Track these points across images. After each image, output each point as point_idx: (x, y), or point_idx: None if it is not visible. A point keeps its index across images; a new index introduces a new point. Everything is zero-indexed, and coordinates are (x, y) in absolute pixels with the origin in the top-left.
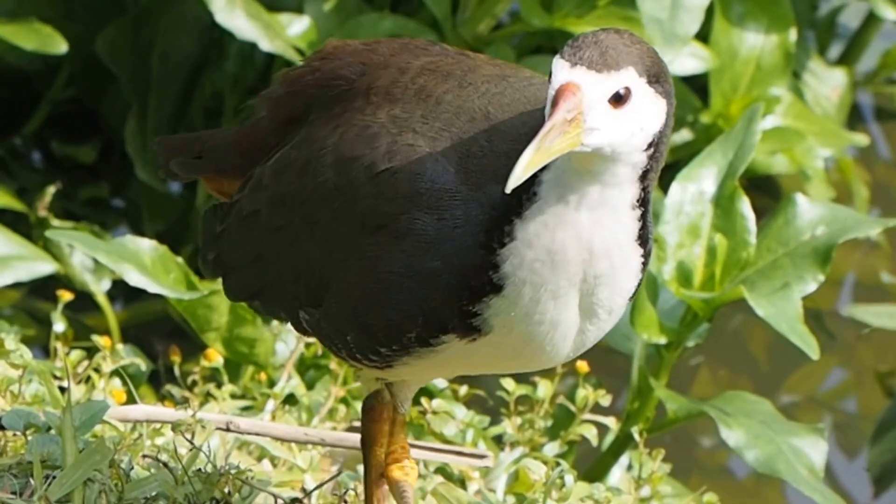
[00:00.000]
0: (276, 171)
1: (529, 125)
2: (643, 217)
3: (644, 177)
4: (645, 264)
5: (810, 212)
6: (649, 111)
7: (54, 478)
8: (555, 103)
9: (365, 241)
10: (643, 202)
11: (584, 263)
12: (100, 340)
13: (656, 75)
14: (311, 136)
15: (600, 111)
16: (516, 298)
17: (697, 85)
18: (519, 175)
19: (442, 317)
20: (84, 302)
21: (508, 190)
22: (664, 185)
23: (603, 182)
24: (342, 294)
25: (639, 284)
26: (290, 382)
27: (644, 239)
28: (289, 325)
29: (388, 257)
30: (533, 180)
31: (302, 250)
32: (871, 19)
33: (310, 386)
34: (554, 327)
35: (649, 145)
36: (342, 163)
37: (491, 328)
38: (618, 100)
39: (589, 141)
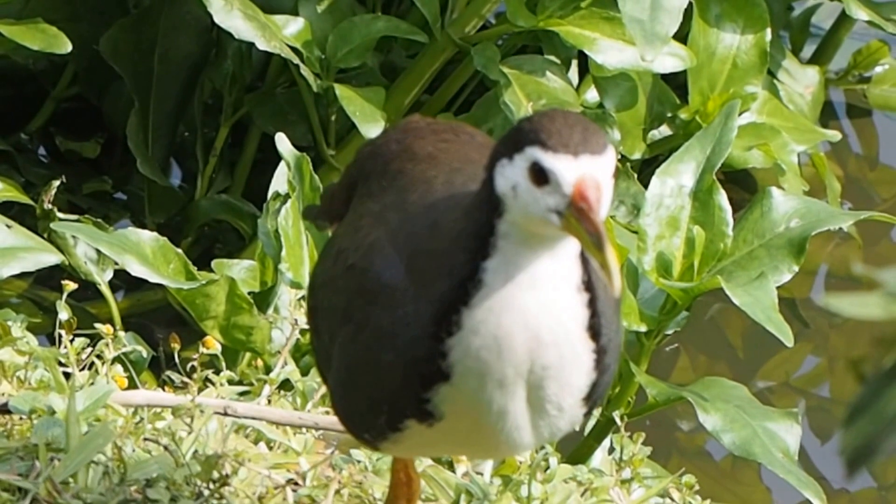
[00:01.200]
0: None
1: (459, 227)
2: (593, 305)
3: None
4: (599, 361)
5: (785, 204)
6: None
7: (59, 460)
8: (584, 197)
9: (341, 331)
10: (589, 287)
11: (532, 352)
12: (103, 328)
13: None
14: (346, 215)
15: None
16: (463, 386)
17: (676, 83)
18: (619, 281)
19: (400, 403)
20: (87, 291)
21: (617, 294)
22: (644, 180)
23: (553, 252)
24: (332, 379)
25: (595, 386)
26: (285, 369)
27: (596, 331)
28: (285, 313)
29: (353, 349)
30: (477, 268)
31: (324, 320)
32: (844, 20)
33: (304, 372)
34: (502, 418)
35: None
36: (339, 253)
37: (443, 414)
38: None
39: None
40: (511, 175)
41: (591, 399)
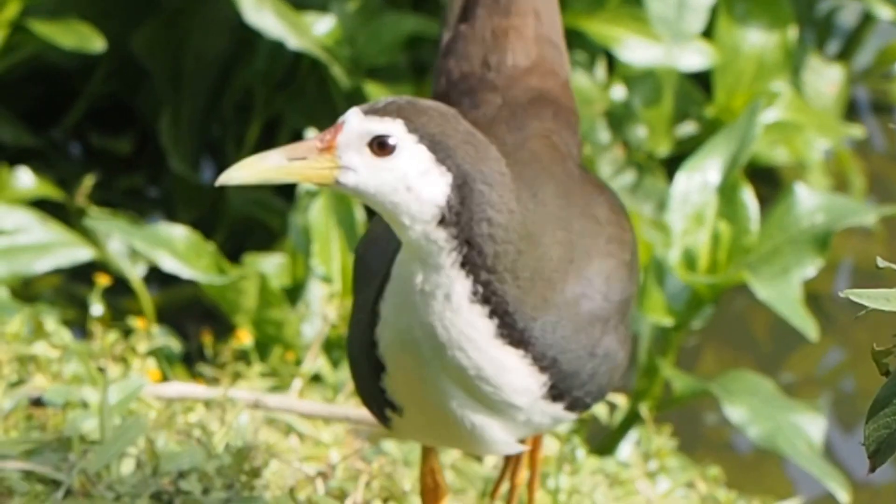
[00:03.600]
0: None
1: None
2: (501, 315)
3: (471, 269)
4: (544, 367)
5: (809, 200)
6: (421, 174)
7: (92, 452)
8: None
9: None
10: (488, 300)
11: (436, 351)
12: (135, 322)
13: (443, 147)
14: None
15: (357, 151)
16: (395, 377)
17: (702, 80)
18: (231, 175)
19: (374, 393)
20: (120, 286)
21: (216, 184)
22: (671, 176)
23: (423, 262)
24: None
25: (555, 387)
26: (316, 362)
27: (519, 340)
28: (315, 308)
29: (349, 334)
30: (392, 260)
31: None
32: (867, 18)
33: (335, 365)
34: (452, 414)
35: (443, 221)
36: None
37: (401, 405)
38: (381, 147)
39: (343, 179)
40: None
41: (563, 398)
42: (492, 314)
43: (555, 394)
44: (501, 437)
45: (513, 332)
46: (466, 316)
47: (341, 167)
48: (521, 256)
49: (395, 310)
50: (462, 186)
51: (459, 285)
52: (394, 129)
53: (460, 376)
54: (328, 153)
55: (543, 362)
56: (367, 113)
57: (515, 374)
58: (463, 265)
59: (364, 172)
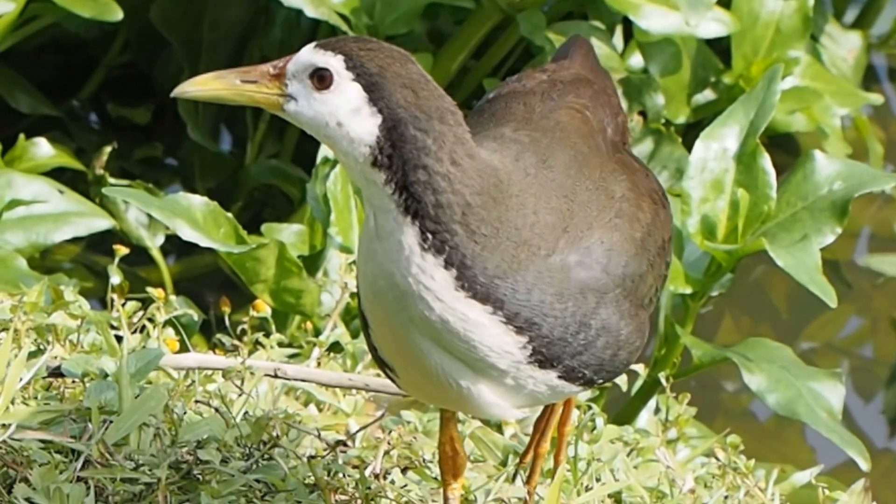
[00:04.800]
0: None
1: None
2: (458, 267)
3: (415, 216)
4: (520, 328)
5: (828, 167)
6: (353, 112)
7: (111, 422)
8: None
9: None
10: (441, 250)
11: (399, 301)
12: (154, 292)
13: (378, 87)
14: None
15: (300, 82)
16: (376, 332)
17: (720, 48)
18: (185, 89)
19: (372, 351)
20: (139, 256)
21: (171, 95)
22: (689, 144)
23: (373, 205)
24: None
25: (538, 350)
26: (335, 331)
27: (485, 296)
28: (335, 277)
29: None
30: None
31: None
32: None
33: (355, 334)
34: (435, 373)
35: (376, 164)
36: None
37: (391, 364)
38: (320, 80)
39: (286, 107)
40: None
41: (553, 366)
42: (448, 265)
43: (541, 360)
44: (494, 400)
45: (475, 286)
46: (419, 262)
47: (286, 95)
48: (476, 211)
49: (363, 258)
50: (392, 130)
51: (410, 231)
52: (333, 63)
53: (429, 329)
54: (277, 80)
55: (517, 322)
56: (316, 46)
57: (488, 332)
58: (407, 211)
59: (302, 102)
